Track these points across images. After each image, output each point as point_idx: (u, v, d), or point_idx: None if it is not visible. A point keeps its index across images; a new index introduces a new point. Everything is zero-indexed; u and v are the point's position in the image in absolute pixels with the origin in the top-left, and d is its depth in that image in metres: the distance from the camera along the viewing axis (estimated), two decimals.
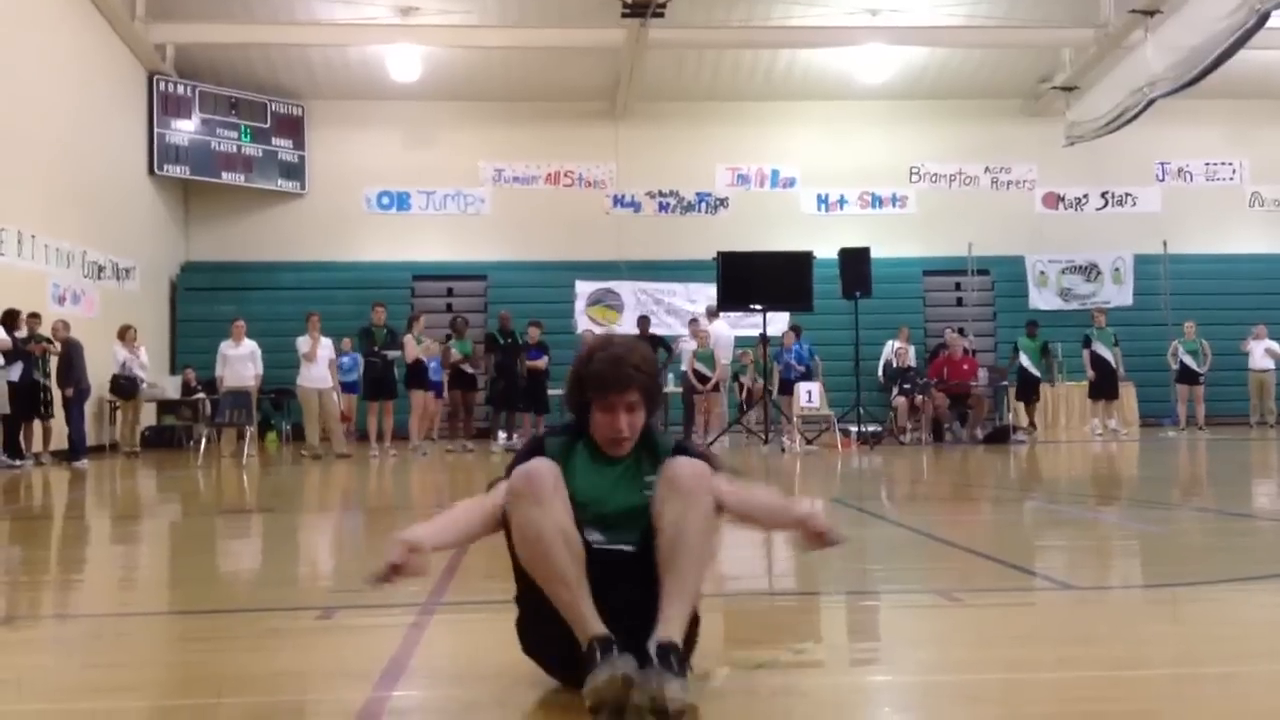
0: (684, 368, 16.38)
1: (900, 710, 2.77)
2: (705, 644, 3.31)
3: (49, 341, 13.62)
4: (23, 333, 13.25)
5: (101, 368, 14.95)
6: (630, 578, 2.72)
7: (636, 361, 2.87)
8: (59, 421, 13.74)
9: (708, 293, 17.21)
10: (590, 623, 2.60)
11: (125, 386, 15.40)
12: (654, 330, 17.25)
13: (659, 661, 2.51)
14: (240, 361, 14.72)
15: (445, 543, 2.84)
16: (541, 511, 2.67)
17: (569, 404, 2.94)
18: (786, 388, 16.15)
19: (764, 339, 15.46)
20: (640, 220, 21.14)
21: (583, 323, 19.61)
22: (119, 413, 15.77)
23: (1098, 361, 16.91)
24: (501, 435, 15.82)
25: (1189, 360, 17.83)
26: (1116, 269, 21.08)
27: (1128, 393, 18.38)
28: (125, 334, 15.61)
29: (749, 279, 14.89)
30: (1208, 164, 21.80)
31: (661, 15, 16.48)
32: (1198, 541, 6.02)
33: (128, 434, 15.55)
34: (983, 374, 16.59)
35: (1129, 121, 17.33)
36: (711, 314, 16.85)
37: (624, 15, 16.60)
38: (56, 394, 13.70)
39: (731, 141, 21.25)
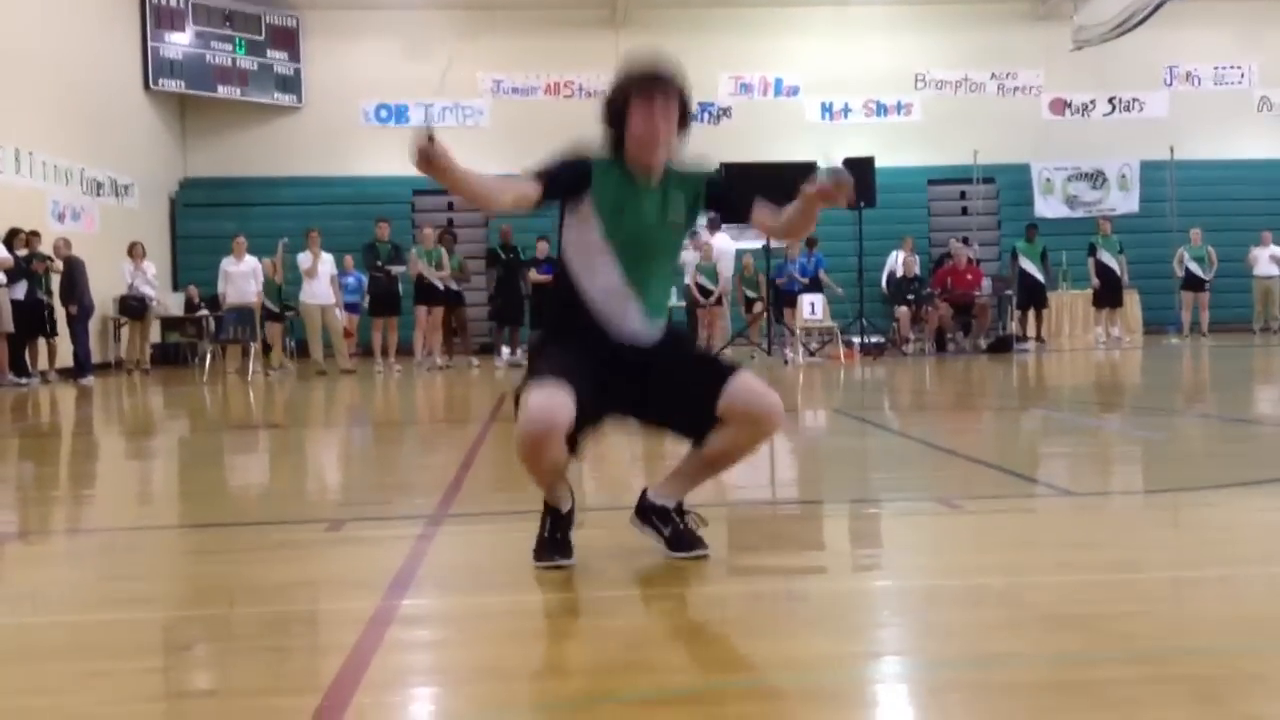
0: (686, 280, 16.32)
1: (901, 614, 2.81)
2: (710, 552, 3.34)
3: (50, 260, 13.60)
4: (24, 251, 13.22)
5: (104, 285, 14.94)
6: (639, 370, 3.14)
7: (675, 69, 3.17)
8: (65, 340, 13.78)
9: None
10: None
11: (134, 307, 15.39)
12: None
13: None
14: (242, 278, 14.69)
15: (468, 183, 2.98)
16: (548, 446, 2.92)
17: (605, 118, 3.20)
18: (789, 300, 16.11)
19: (767, 251, 15.38)
20: None
21: None
22: (124, 330, 15.78)
23: (1102, 269, 16.84)
24: (505, 351, 15.84)
25: (1194, 267, 17.76)
26: (1123, 176, 20.88)
27: (1131, 300, 18.34)
28: (133, 250, 15.54)
29: (752, 190, 14.73)
30: (1216, 68, 21.45)
31: None
32: (1199, 447, 6.07)
33: (136, 352, 15.57)
34: (987, 284, 16.54)
35: (1138, 24, 17.03)
36: (713, 226, 16.74)
37: None
38: (61, 312, 13.72)
39: (734, 50, 20.89)
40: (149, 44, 18.64)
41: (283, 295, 15.31)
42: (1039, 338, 16.97)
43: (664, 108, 3.09)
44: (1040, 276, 16.89)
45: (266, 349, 15.14)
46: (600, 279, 3.17)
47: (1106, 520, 4.01)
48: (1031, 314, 17.09)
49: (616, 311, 3.16)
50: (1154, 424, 7.05)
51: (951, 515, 4.05)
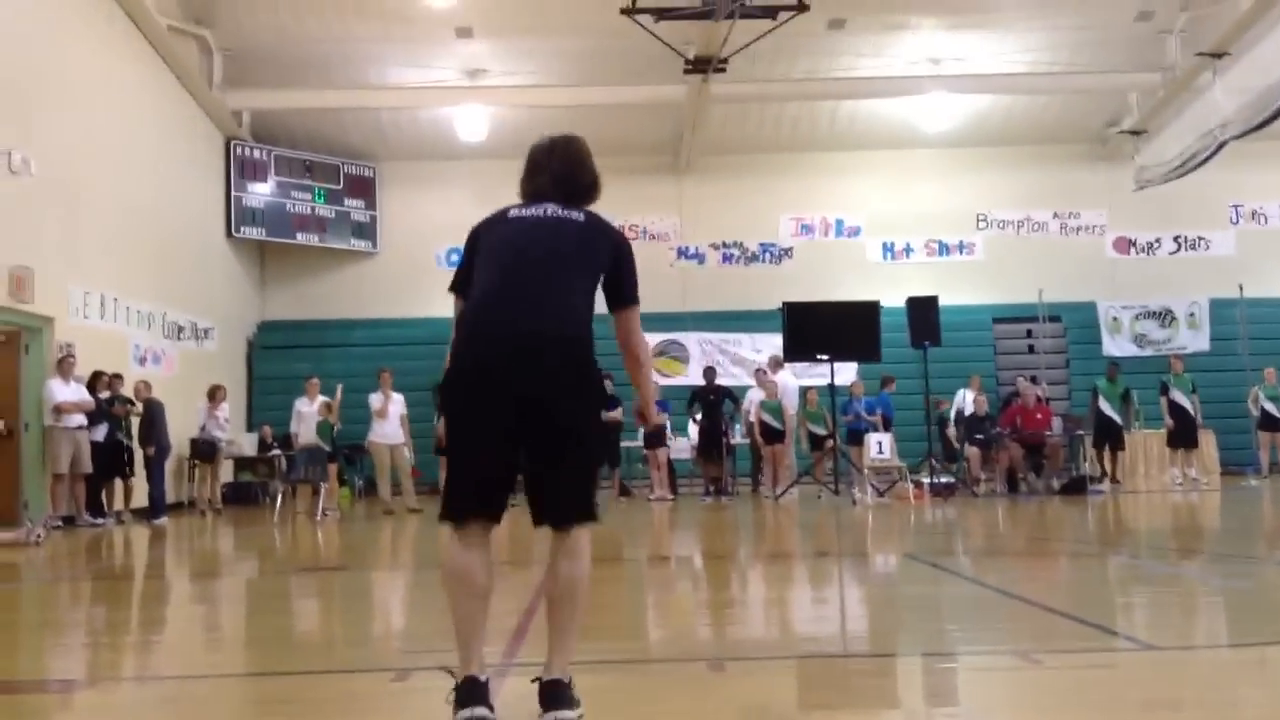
0: (750, 419, 16.31)
1: None
2: (777, 709, 3.27)
3: (131, 402, 13.99)
4: (106, 394, 13.63)
5: (181, 426, 15.29)
6: None
7: None
8: (140, 480, 14.06)
9: (773, 343, 17.15)
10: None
11: (204, 450, 15.74)
12: (720, 381, 17.22)
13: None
14: (314, 418, 14.95)
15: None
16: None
17: None
18: (856, 438, 16.01)
19: (832, 389, 15.37)
20: (705, 271, 21.21)
21: None
22: (198, 470, 16.08)
23: (1176, 409, 16.55)
24: None
25: (1270, 406, 17.35)
26: (1192, 314, 20.68)
27: (1207, 440, 17.91)
28: (215, 394, 15.95)
29: (815, 329, 14.88)
30: None
31: (723, 70, 16.63)
32: None
33: (208, 493, 15.83)
34: (1057, 423, 16.30)
35: (1200, 165, 17.07)
36: (776, 364, 16.79)
37: (686, 71, 16.78)
38: (138, 453, 14.04)
39: (795, 192, 21.28)
40: (232, 194, 19.47)
41: (334, 434, 15.38)
42: (1114, 479, 16.61)
43: None
44: (1118, 418, 16.63)
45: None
46: None
47: (1191, 676, 3.86)
48: (1106, 454, 16.77)
49: None
50: (1237, 571, 6.83)
51: (1030, 670, 3.94)
